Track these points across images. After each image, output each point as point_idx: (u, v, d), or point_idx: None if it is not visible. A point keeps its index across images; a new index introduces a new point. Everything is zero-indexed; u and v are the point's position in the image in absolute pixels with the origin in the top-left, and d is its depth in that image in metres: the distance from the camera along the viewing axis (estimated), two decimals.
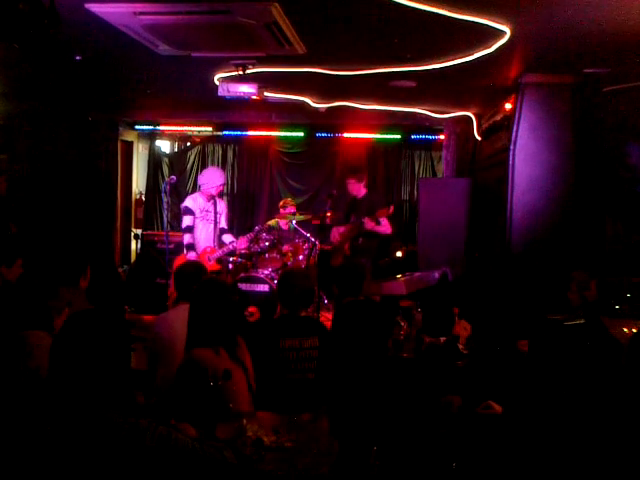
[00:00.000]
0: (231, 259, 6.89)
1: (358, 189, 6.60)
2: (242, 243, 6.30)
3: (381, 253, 6.64)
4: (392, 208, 6.29)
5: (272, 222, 7.14)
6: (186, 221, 6.25)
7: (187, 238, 6.22)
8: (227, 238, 6.39)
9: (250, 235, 6.41)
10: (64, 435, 1.70)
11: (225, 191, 9.01)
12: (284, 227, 7.16)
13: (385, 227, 6.39)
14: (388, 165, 8.76)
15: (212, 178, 6.33)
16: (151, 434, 1.73)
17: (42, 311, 2.71)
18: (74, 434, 1.70)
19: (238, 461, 1.92)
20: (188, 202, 6.33)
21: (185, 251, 6.22)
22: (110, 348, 1.83)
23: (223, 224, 6.46)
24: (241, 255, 6.94)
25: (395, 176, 8.78)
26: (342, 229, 6.70)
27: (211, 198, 6.33)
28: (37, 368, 2.38)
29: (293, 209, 7.13)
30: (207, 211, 6.33)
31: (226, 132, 8.69)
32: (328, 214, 6.56)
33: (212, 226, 6.35)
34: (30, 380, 2.35)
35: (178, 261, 6.20)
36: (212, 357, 2.58)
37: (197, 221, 6.29)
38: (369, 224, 6.27)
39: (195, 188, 8.23)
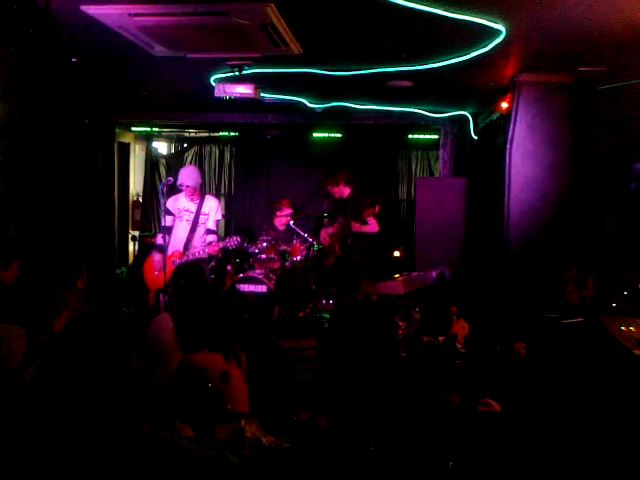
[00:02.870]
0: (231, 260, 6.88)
1: (340, 191, 6.63)
2: (213, 249, 6.02)
3: (373, 251, 6.66)
4: (378, 208, 6.30)
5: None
6: (165, 221, 6.07)
7: (159, 239, 6.09)
8: (209, 238, 6.15)
9: (223, 243, 6.10)
10: (67, 441, 1.69)
11: (222, 192, 9.00)
12: (281, 228, 7.13)
13: (372, 226, 6.42)
14: (385, 165, 8.77)
15: (181, 177, 6.14)
16: (154, 439, 1.73)
17: (39, 313, 2.71)
18: (77, 440, 1.69)
19: (240, 463, 1.92)
20: (168, 202, 6.20)
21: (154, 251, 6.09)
22: (112, 351, 1.83)
23: (210, 225, 6.18)
24: (239, 255, 6.92)
25: (392, 176, 8.78)
26: (330, 230, 6.71)
27: (196, 198, 6.15)
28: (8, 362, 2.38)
29: (289, 210, 7.09)
30: (186, 210, 6.14)
31: (223, 133, 8.67)
32: (325, 214, 6.58)
33: (189, 226, 6.11)
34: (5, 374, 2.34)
35: (147, 263, 6.17)
36: (209, 359, 2.58)
37: (177, 221, 6.16)
38: (355, 226, 6.32)
39: None
